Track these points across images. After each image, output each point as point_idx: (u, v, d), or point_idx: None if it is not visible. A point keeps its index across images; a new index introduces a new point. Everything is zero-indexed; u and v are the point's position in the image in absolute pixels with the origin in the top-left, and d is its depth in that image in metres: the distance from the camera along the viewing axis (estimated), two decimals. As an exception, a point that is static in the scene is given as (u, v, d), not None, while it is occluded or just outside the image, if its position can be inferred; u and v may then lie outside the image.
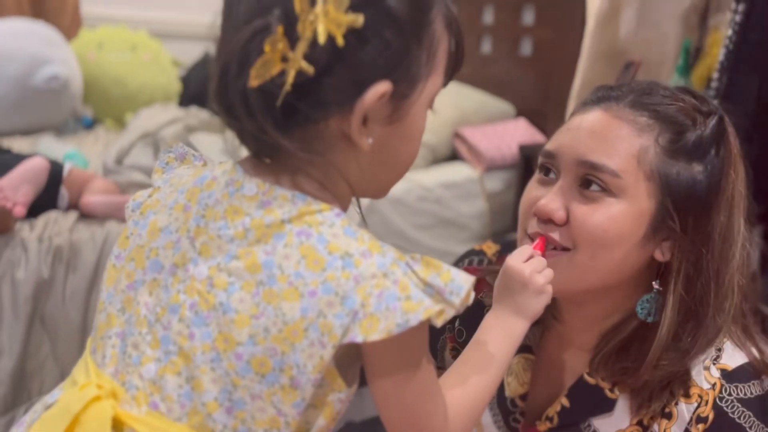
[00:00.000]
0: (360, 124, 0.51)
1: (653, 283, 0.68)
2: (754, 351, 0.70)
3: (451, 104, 2.13)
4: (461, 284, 0.50)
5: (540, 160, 0.72)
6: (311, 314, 0.49)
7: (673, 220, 0.65)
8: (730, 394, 0.66)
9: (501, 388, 0.82)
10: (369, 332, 0.48)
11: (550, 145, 0.71)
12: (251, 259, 0.50)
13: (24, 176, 1.34)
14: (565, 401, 0.75)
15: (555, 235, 0.68)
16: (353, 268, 0.49)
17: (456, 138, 2.09)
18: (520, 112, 2.23)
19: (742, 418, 0.65)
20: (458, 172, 2.01)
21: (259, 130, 0.50)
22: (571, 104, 1.94)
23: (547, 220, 0.68)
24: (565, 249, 0.68)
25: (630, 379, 0.69)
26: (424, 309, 0.49)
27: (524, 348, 0.81)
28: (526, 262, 0.66)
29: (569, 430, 0.75)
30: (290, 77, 0.47)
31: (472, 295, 0.51)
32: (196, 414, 0.51)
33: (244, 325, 0.50)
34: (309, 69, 0.47)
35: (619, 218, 0.65)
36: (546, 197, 0.68)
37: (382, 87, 0.50)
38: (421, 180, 1.92)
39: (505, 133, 2.06)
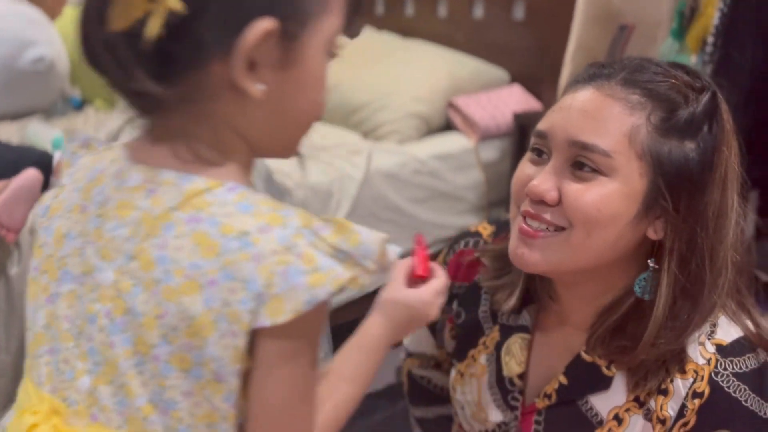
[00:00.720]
0: (245, 68, 0.47)
1: (649, 261, 0.68)
2: (750, 324, 0.70)
3: (444, 72, 2.09)
4: (370, 246, 0.48)
5: (532, 140, 0.71)
6: (216, 305, 0.46)
7: (665, 199, 0.65)
8: (725, 369, 0.66)
9: (499, 368, 0.83)
10: (276, 314, 0.46)
11: (542, 125, 0.70)
12: (145, 257, 0.48)
13: (19, 196, 1.31)
14: (563, 379, 0.76)
15: (547, 216, 0.68)
16: (251, 247, 0.46)
17: (450, 108, 2.07)
18: (515, 78, 2.20)
19: (737, 392, 0.65)
20: (453, 142, 1.99)
21: (131, 81, 0.45)
22: (566, 69, 1.91)
23: (539, 201, 0.68)
24: (559, 229, 0.68)
25: (627, 358, 0.69)
26: (332, 279, 0.46)
27: (521, 328, 0.81)
28: (436, 294, 0.67)
29: (567, 407, 0.76)
30: (157, 18, 0.43)
31: (391, 254, 0.49)
32: (134, 420, 0.50)
33: (153, 327, 0.48)
34: (179, 6, 0.43)
35: (612, 197, 0.65)
36: (538, 178, 0.68)
37: (265, 24, 0.46)
38: (415, 152, 1.90)
39: (499, 101, 2.04)
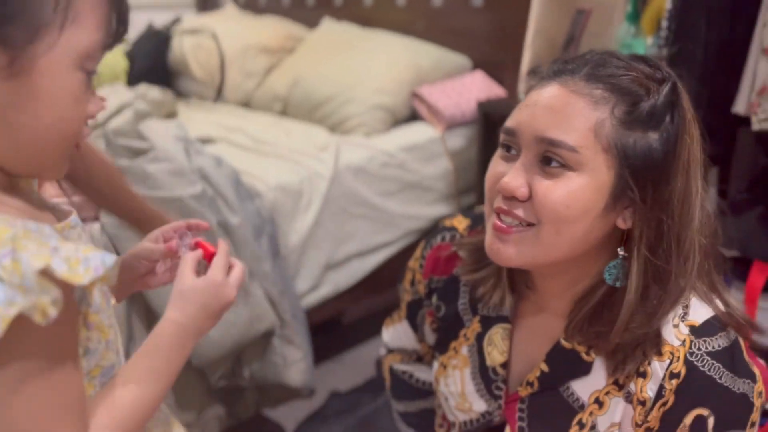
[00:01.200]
0: None
1: (618, 249, 0.70)
2: (720, 304, 0.73)
3: (406, 62, 2.09)
4: (29, 276, 0.45)
5: (501, 137, 0.72)
6: None
7: (632, 190, 0.66)
8: (699, 349, 0.68)
9: (482, 358, 0.84)
10: None
11: (510, 122, 0.71)
12: None
13: None
14: (544, 366, 0.78)
15: (519, 212, 0.69)
16: None
17: (414, 98, 2.07)
18: (477, 65, 2.21)
19: (712, 370, 0.68)
20: (419, 133, 2.00)
21: None
22: (526, 54, 1.93)
23: (510, 197, 0.69)
24: (530, 224, 0.69)
25: (602, 343, 0.71)
26: (0, 317, 0.44)
27: (502, 318, 0.83)
28: (233, 280, 0.64)
29: (549, 394, 0.78)
30: None
31: (84, 274, 0.48)
32: None
33: None
34: None
35: (580, 192, 0.66)
36: (509, 175, 0.69)
37: None
38: (382, 146, 1.90)
39: (462, 89, 2.05)
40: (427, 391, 1.04)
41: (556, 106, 0.67)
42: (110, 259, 0.50)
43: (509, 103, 1.95)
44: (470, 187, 2.05)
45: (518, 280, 0.81)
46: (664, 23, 1.38)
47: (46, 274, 0.46)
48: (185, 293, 0.63)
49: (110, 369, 0.61)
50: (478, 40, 2.21)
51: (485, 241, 0.73)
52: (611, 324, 0.70)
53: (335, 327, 2.10)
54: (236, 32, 2.40)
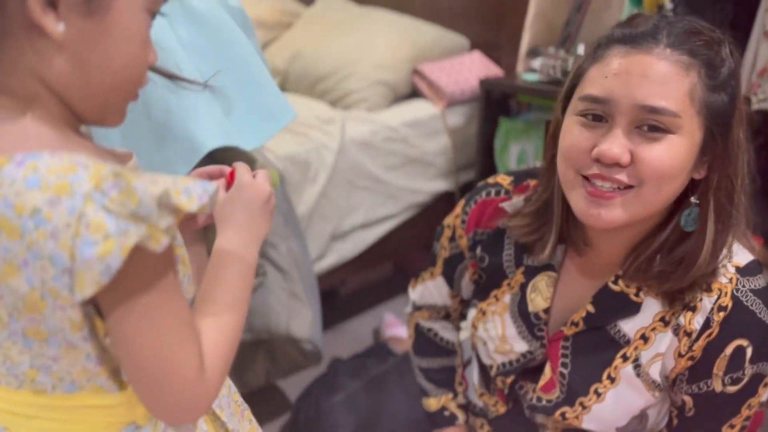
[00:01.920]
0: (43, 4, 0.47)
1: (692, 198, 0.76)
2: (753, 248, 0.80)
3: (406, 40, 2.12)
4: (148, 204, 0.46)
5: (583, 105, 0.74)
6: (37, 283, 0.47)
7: (717, 144, 0.72)
8: (744, 286, 0.76)
9: (524, 304, 0.89)
10: (83, 288, 0.46)
11: (598, 91, 0.73)
12: None
13: None
14: (590, 307, 0.83)
15: (621, 177, 0.72)
16: (46, 223, 0.45)
17: (415, 75, 2.11)
18: (474, 45, 2.26)
19: (754, 306, 0.75)
20: (420, 109, 2.04)
21: None
22: (526, 35, 1.98)
23: (613, 164, 0.72)
24: (628, 187, 0.73)
25: (668, 283, 0.77)
26: (121, 245, 0.45)
27: (548, 266, 0.87)
28: (260, 177, 0.65)
29: (595, 332, 0.83)
30: None
31: (188, 203, 0.49)
32: (27, 381, 0.54)
33: (0, 307, 0.51)
34: None
35: (680, 153, 0.71)
36: (608, 142, 0.71)
37: None
38: (385, 120, 1.93)
39: (462, 68, 2.09)
40: (449, 350, 1.08)
41: (651, 74, 0.70)
42: (211, 187, 0.51)
43: (510, 82, 2.01)
44: (469, 164, 2.10)
45: (575, 236, 0.85)
46: (669, 5, 1.45)
47: (161, 201, 0.47)
48: (225, 207, 0.64)
49: (192, 302, 0.62)
50: (474, 21, 2.26)
51: (578, 208, 0.75)
52: (674, 264, 0.76)
53: (332, 298, 2.13)
54: (232, 6, 2.39)
